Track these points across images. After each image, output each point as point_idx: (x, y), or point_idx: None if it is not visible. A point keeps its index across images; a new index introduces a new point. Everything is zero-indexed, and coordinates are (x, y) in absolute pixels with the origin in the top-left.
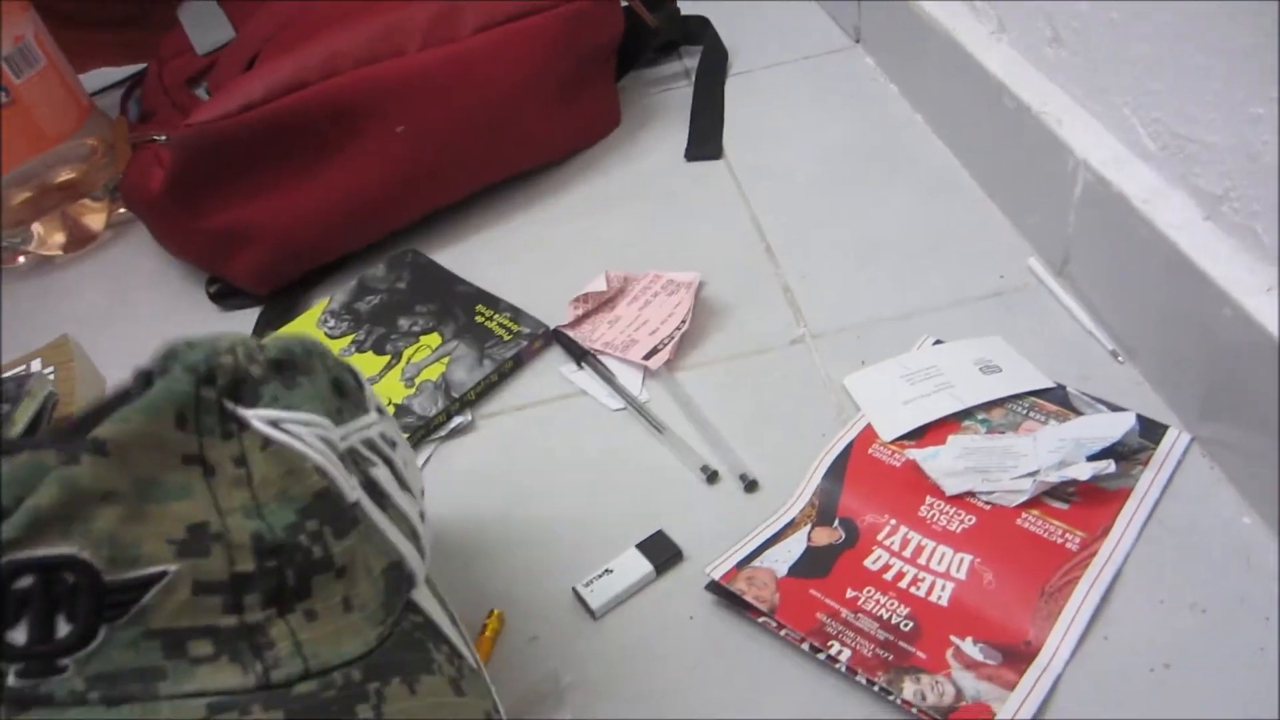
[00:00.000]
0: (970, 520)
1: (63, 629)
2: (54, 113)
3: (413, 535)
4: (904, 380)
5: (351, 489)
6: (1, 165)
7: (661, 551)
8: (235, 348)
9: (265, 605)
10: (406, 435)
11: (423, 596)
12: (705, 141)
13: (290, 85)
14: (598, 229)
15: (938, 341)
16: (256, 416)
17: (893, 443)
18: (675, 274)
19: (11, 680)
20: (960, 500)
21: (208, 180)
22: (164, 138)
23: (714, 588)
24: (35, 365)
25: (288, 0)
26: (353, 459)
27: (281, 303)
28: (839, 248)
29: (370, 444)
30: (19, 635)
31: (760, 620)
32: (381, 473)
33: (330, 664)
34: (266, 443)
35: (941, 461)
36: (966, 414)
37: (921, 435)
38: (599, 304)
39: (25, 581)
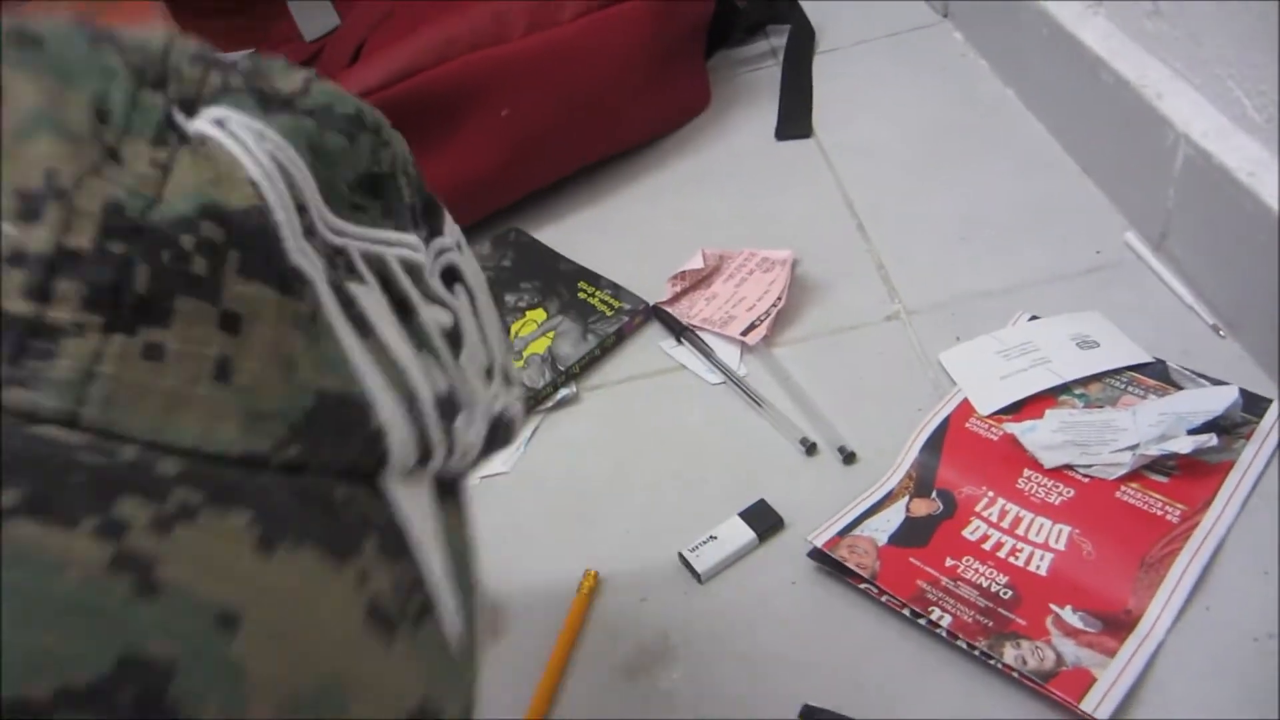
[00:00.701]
0: (1069, 493)
1: None
2: None
3: (406, 395)
4: (1000, 355)
5: (300, 252)
6: None
7: (763, 520)
8: (206, 59)
9: (86, 307)
10: None
11: (406, 495)
12: (795, 120)
13: (405, 71)
14: (692, 208)
15: (1033, 317)
16: (203, 117)
17: (990, 417)
18: (770, 251)
19: None
20: (1058, 473)
21: None
22: None
23: (816, 554)
24: None
25: None
26: (329, 260)
27: None
28: (932, 224)
29: (376, 262)
30: None
31: (861, 586)
32: (370, 295)
33: (133, 431)
34: (203, 144)
35: (1040, 435)
36: (1064, 389)
37: (1018, 409)
38: (696, 281)
39: None
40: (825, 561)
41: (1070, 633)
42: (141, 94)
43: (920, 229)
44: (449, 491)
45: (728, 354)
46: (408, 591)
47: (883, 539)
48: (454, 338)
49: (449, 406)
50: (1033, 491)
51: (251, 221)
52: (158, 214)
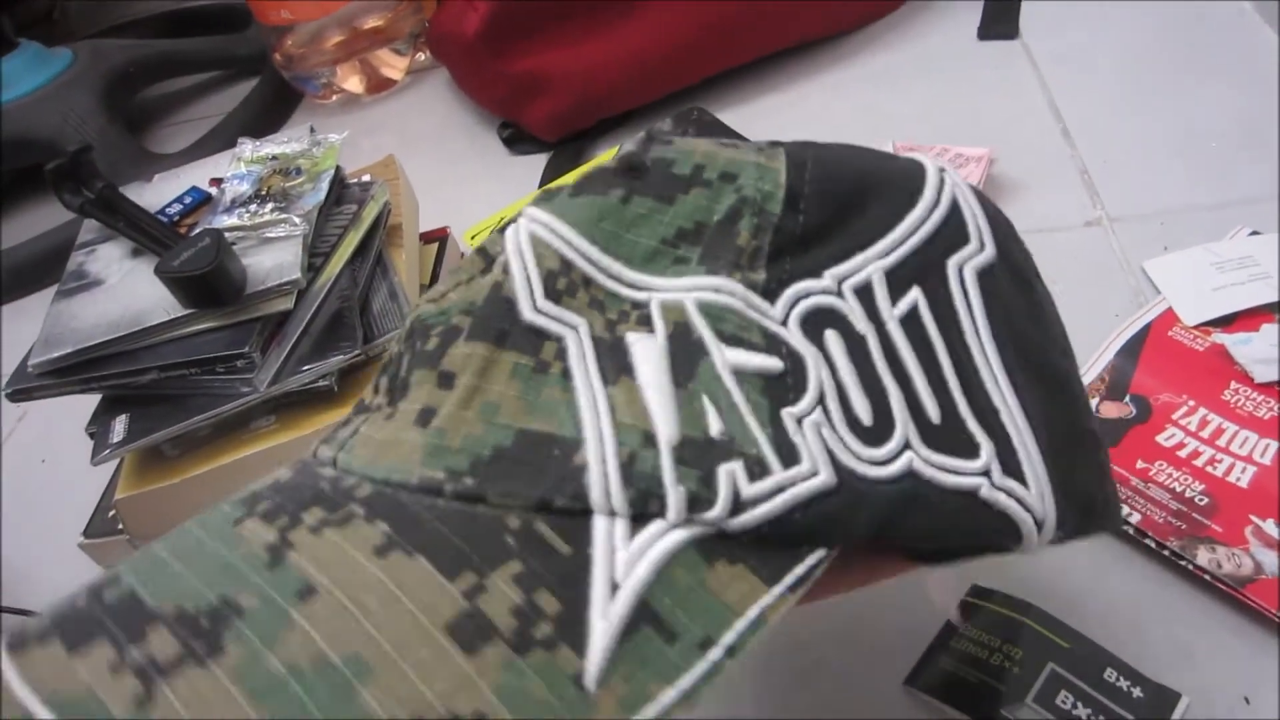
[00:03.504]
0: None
1: None
2: None
3: (639, 437)
4: (1213, 267)
5: (536, 311)
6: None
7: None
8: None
9: (385, 392)
10: None
11: (618, 536)
12: (1001, 20)
13: None
14: (882, 103)
15: (1254, 233)
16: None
17: (1197, 327)
18: (964, 148)
19: None
20: (1270, 389)
21: (518, 27)
22: None
23: None
24: (367, 177)
25: None
26: (621, 312)
27: (569, 150)
28: (1146, 134)
29: (676, 310)
30: None
31: None
32: (645, 343)
33: (355, 468)
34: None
35: (1255, 348)
36: None
37: (1230, 323)
38: None
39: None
40: None
41: (1271, 544)
42: None
43: (1131, 138)
44: (732, 547)
45: None
46: (538, 619)
47: None
48: (790, 386)
49: (708, 452)
50: (1239, 404)
51: (495, 300)
52: (437, 307)
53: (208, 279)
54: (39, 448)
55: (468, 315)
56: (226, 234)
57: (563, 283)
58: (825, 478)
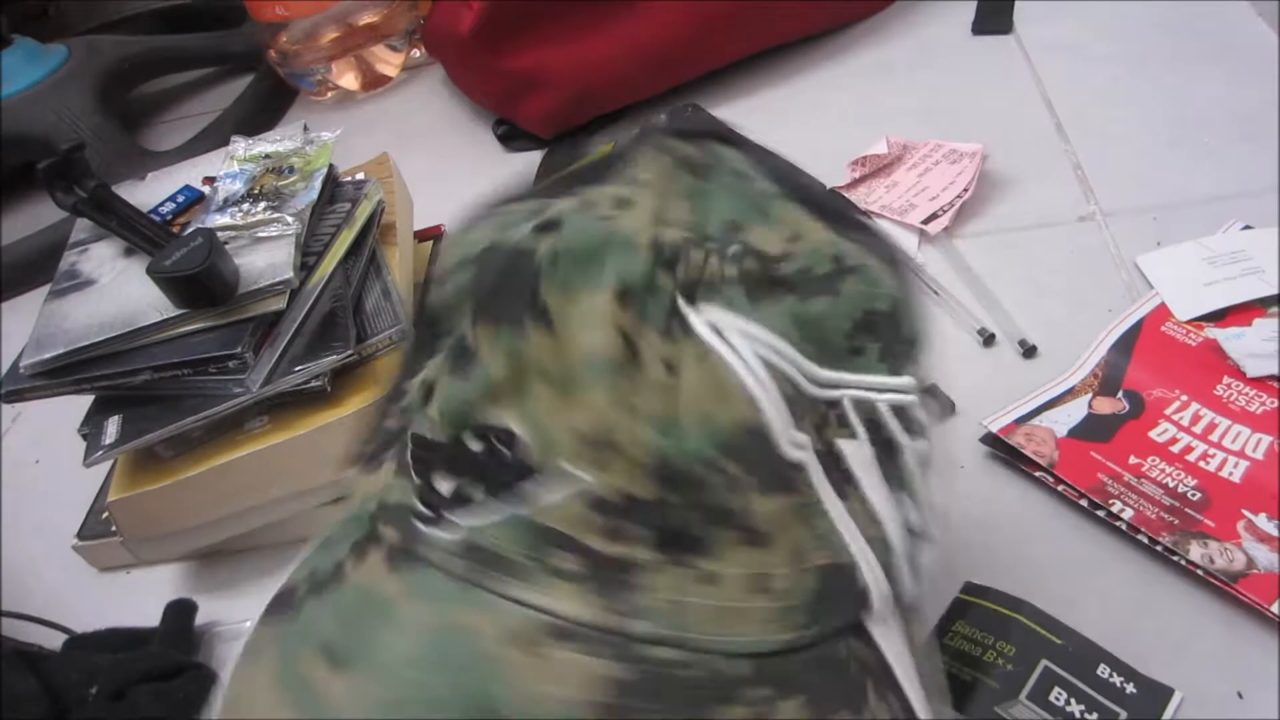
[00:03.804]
0: (1272, 403)
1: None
2: None
3: (881, 546)
4: (1206, 262)
5: (793, 444)
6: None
7: (935, 402)
8: (709, 243)
9: (655, 546)
10: None
11: (882, 633)
12: (994, 15)
13: None
14: (877, 96)
15: (1246, 227)
16: (699, 314)
17: (1189, 322)
18: (958, 144)
19: (391, 534)
20: (1261, 383)
21: (513, 24)
22: None
23: (990, 440)
24: (361, 175)
25: None
26: (821, 416)
27: (564, 147)
28: (1139, 127)
29: (866, 407)
30: (444, 486)
31: (1037, 475)
32: (857, 449)
33: (710, 645)
34: (706, 354)
35: (1247, 342)
36: (1275, 300)
37: (1222, 317)
38: (877, 168)
39: (475, 445)
40: (999, 447)
41: (1263, 539)
42: (658, 275)
43: (1125, 132)
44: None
45: (905, 243)
46: (895, 712)
47: (1062, 431)
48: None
49: (918, 541)
50: (1232, 399)
51: (759, 441)
52: (691, 450)
53: (200, 279)
54: (32, 449)
55: (735, 461)
56: (219, 233)
57: (789, 403)
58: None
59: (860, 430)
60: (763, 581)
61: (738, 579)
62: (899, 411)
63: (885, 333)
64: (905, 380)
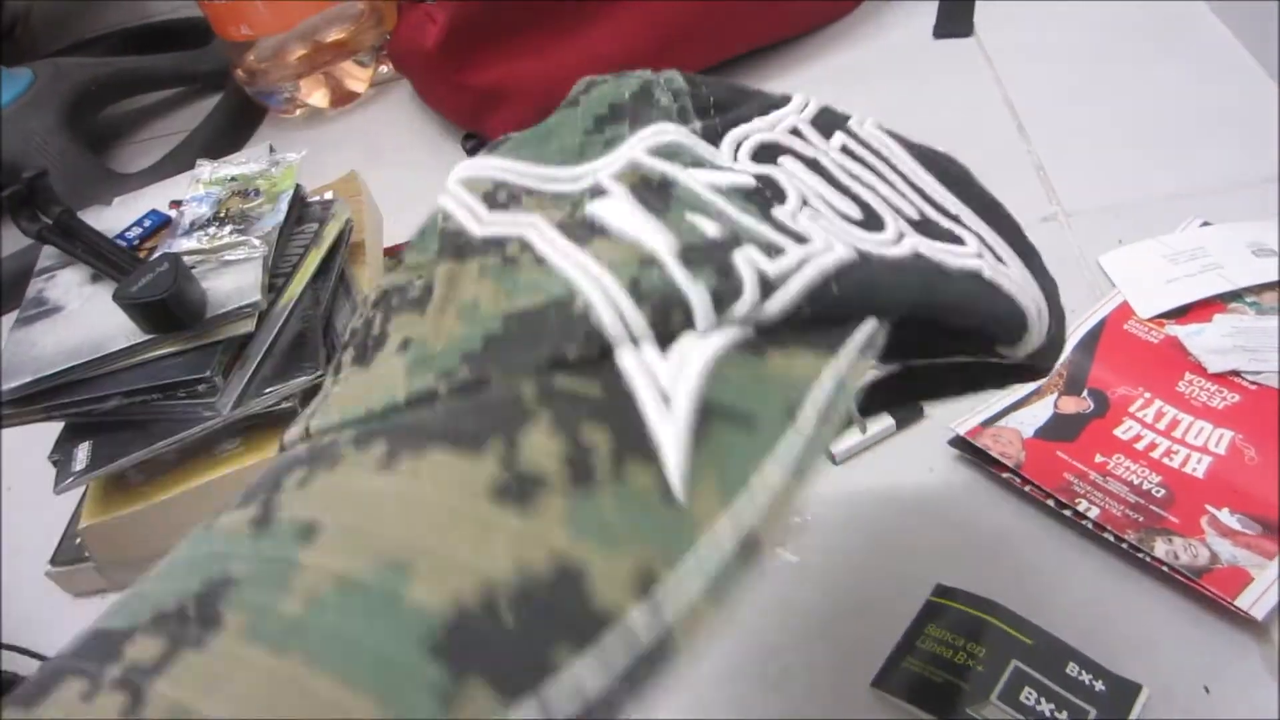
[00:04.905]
0: (1234, 398)
1: None
2: None
3: (641, 266)
4: (1166, 260)
5: (479, 222)
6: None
7: (902, 406)
8: None
9: (352, 361)
10: None
11: (635, 357)
12: (955, 18)
13: None
14: (842, 102)
15: (1205, 224)
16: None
17: (1151, 320)
18: None
19: None
20: (1223, 379)
21: (478, 39)
22: None
23: (958, 442)
24: (329, 195)
25: None
26: (574, 203)
27: None
28: (1098, 127)
29: (628, 174)
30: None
31: (1004, 476)
32: (607, 204)
33: (341, 420)
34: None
35: (1207, 338)
36: (1235, 295)
37: (1183, 314)
38: None
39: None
40: (967, 449)
41: (1227, 533)
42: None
43: (1086, 132)
44: (774, 333)
45: None
46: (592, 453)
47: (1028, 432)
48: (770, 196)
49: (716, 249)
50: (1194, 395)
51: (443, 233)
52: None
53: (166, 304)
54: (3, 476)
55: (425, 265)
56: (185, 257)
57: (503, 195)
58: (844, 251)
59: (616, 189)
60: (403, 345)
61: (388, 351)
62: (670, 155)
63: (636, 111)
64: (654, 127)
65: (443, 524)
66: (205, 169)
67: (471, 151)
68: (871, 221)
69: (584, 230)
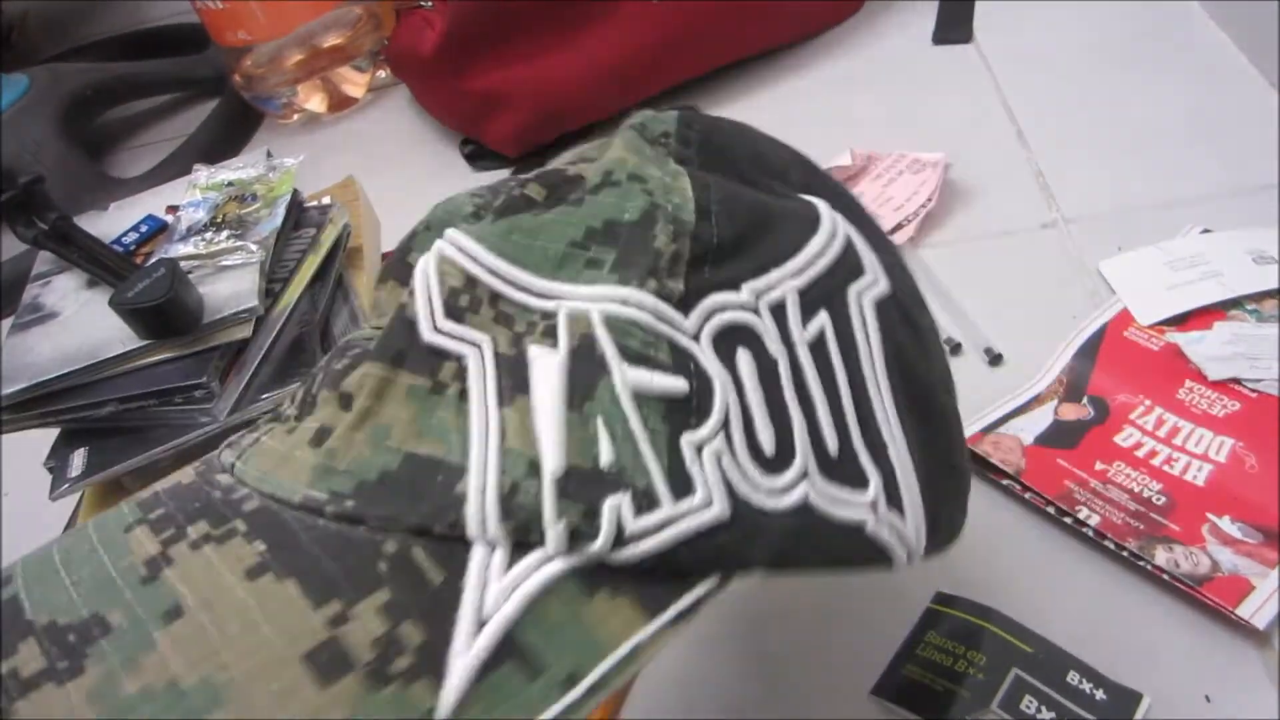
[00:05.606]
0: (1234, 406)
1: None
2: None
3: (523, 464)
4: (1167, 266)
5: (435, 330)
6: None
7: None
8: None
9: (298, 404)
10: None
11: (481, 557)
12: (954, 24)
13: None
14: (841, 109)
15: (1205, 231)
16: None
17: (1151, 327)
18: (921, 154)
19: None
20: (1223, 386)
21: (476, 44)
22: (430, 3)
23: None
24: (326, 200)
25: None
26: (530, 324)
27: (530, 165)
28: (1099, 134)
29: (581, 320)
30: None
31: (1004, 483)
32: (547, 358)
33: (249, 480)
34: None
35: (1208, 346)
36: (1235, 303)
37: (1183, 321)
38: (842, 180)
39: None
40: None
41: (1227, 541)
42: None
43: (1085, 139)
44: (616, 581)
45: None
46: (399, 652)
47: (1029, 439)
48: (694, 409)
49: (594, 484)
50: (1194, 403)
51: (397, 317)
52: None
53: (163, 309)
54: (1, 482)
55: (369, 341)
56: (182, 263)
57: (465, 300)
58: (719, 510)
59: (564, 342)
60: (322, 436)
61: (307, 430)
62: (622, 333)
63: (628, 242)
64: (628, 291)
65: (261, 668)
66: (202, 174)
67: (470, 158)
68: (780, 459)
69: (514, 379)
